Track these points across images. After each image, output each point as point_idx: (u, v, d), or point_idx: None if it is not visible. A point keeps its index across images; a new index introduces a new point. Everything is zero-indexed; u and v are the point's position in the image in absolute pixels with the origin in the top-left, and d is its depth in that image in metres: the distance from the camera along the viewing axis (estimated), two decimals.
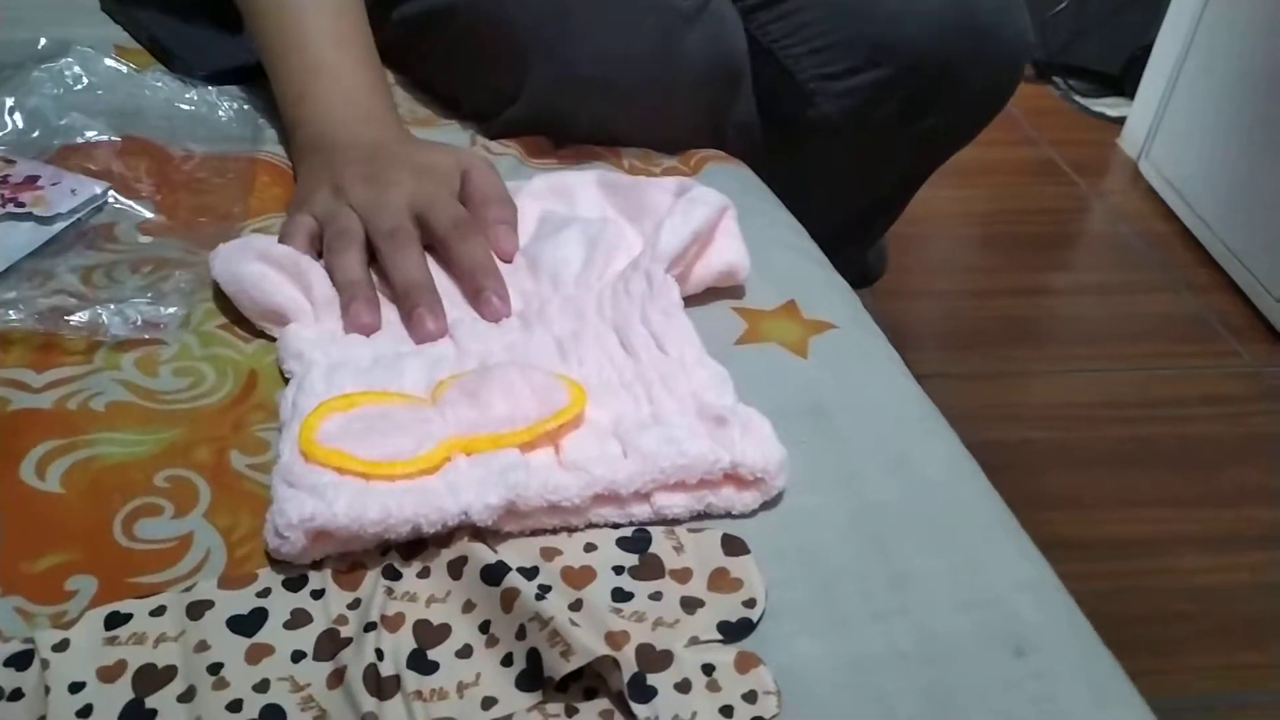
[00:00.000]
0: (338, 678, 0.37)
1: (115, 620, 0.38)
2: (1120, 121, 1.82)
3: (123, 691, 0.36)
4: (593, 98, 0.68)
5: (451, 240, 0.55)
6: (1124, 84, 1.89)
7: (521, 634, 0.38)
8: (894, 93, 0.78)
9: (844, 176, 0.73)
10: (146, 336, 0.51)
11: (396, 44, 0.73)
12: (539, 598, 0.39)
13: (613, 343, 0.52)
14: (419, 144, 0.63)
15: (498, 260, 0.56)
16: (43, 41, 0.72)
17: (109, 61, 0.71)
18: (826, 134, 0.81)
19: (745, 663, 0.39)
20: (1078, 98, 1.94)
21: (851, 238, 1.05)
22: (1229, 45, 1.53)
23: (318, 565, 0.41)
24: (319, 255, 0.55)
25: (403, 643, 0.38)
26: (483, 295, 0.53)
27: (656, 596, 0.41)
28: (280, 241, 0.55)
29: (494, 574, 0.40)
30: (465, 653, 0.39)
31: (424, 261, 0.55)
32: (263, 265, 0.53)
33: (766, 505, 0.46)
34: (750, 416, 0.47)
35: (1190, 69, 1.61)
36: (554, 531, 0.44)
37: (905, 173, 0.93)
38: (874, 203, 0.98)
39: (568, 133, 0.72)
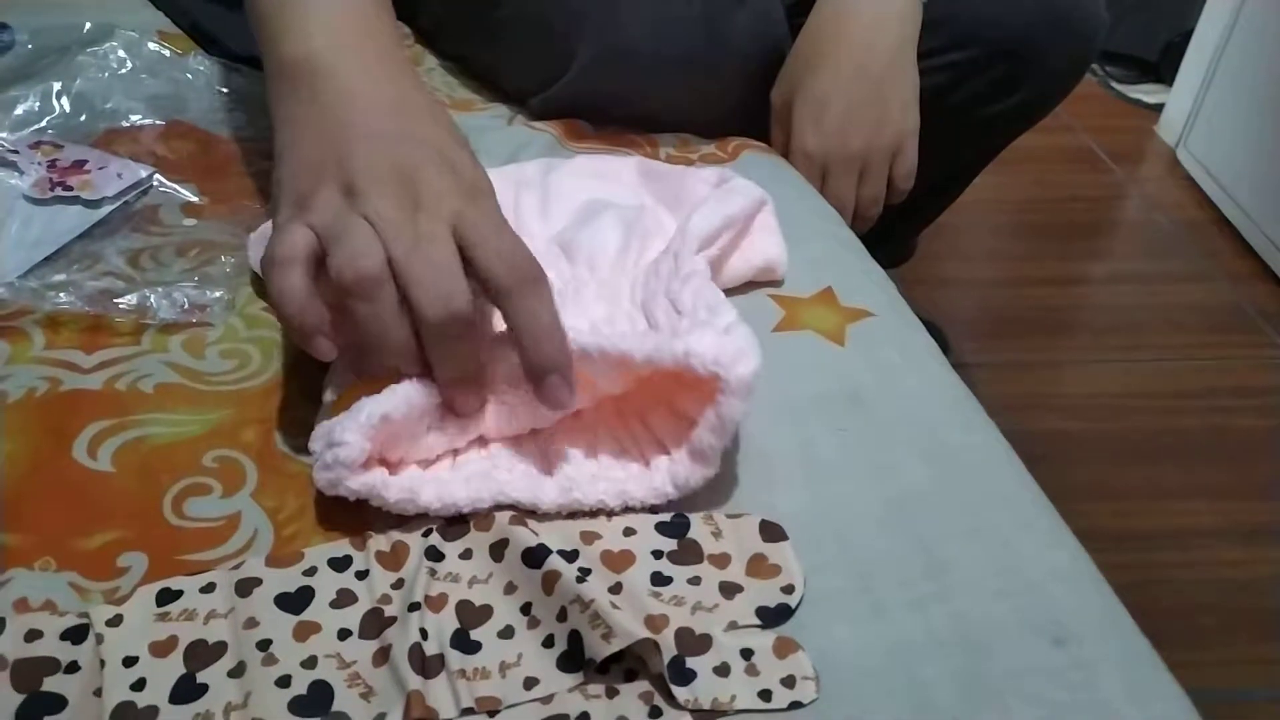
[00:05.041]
0: (383, 656, 0.38)
1: (166, 597, 0.39)
2: (1158, 108, 1.80)
3: (175, 666, 0.37)
4: (640, 74, 0.69)
5: (514, 294, 0.42)
6: (1162, 70, 1.86)
7: (563, 616, 0.39)
8: (979, 74, 0.80)
9: (919, 158, 0.74)
10: (194, 320, 0.52)
11: (441, 22, 0.74)
12: (580, 580, 0.39)
13: (641, 325, 0.52)
14: (450, 127, 0.49)
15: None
16: (87, 26, 0.73)
17: (152, 45, 0.72)
18: None
19: (784, 648, 0.39)
20: (1115, 84, 1.92)
21: (913, 218, 1.06)
22: (1271, 32, 1.51)
23: (361, 546, 0.42)
24: (319, 264, 0.43)
25: (446, 623, 0.39)
26: (550, 382, 0.42)
27: (695, 581, 0.42)
28: (270, 263, 0.43)
29: (535, 557, 0.40)
30: (507, 633, 0.39)
31: (477, 354, 0.44)
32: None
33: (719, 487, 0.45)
34: (725, 316, 0.47)
35: (1231, 56, 1.59)
36: (593, 515, 0.44)
37: (977, 151, 0.95)
38: (943, 182, 0.99)
39: (611, 111, 0.72)
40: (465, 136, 0.49)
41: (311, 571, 0.41)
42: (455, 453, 0.46)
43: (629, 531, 0.43)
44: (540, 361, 0.42)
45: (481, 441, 0.47)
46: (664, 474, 0.44)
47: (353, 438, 0.40)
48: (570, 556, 0.42)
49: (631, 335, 0.45)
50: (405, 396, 0.42)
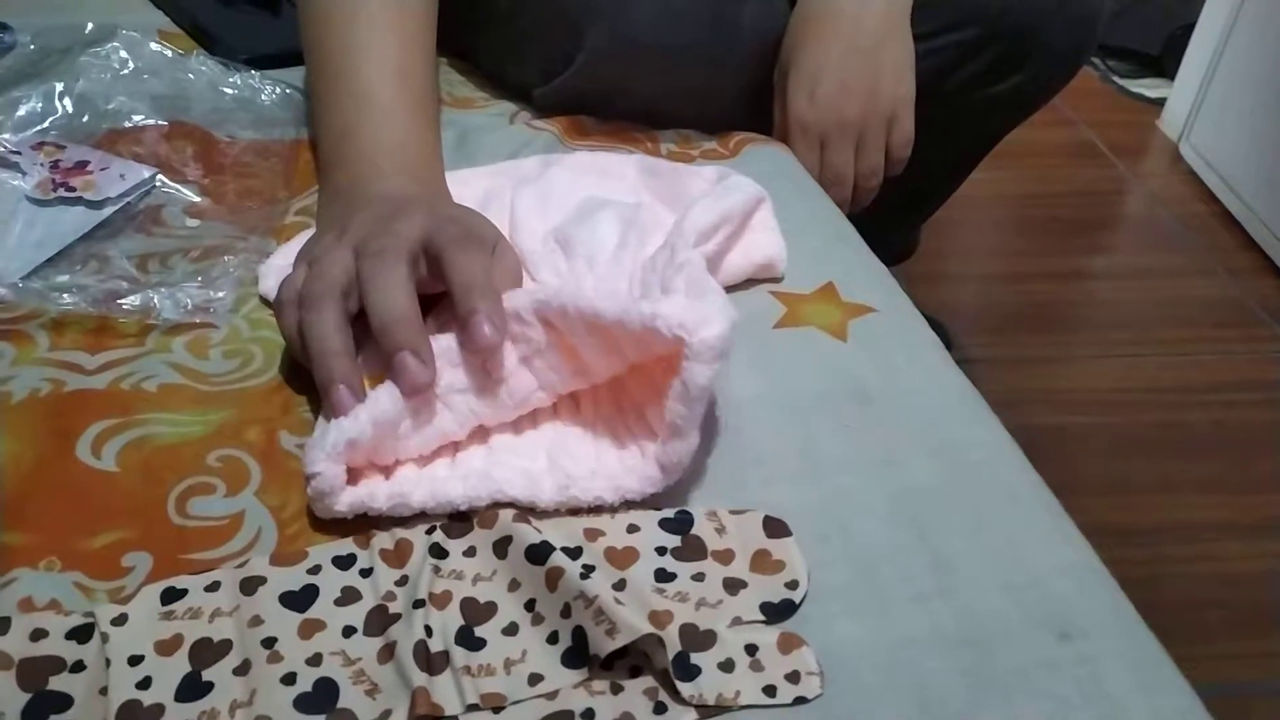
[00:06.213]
0: (388, 652, 0.38)
1: (171, 595, 0.39)
2: (1160, 103, 1.80)
3: (180, 664, 0.37)
4: (646, 65, 0.69)
5: (449, 250, 0.47)
6: (1164, 64, 1.86)
7: (567, 612, 0.39)
8: (979, 54, 0.80)
9: (920, 144, 0.74)
10: (197, 320, 0.52)
11: (444, 13, 0.74)
12: (583, 577, 0.39)
13: None
14: (453, 202, 0.56)
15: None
16: (89, 26, 0.73)
17: (154, 46, 0.72)
18: None
19: (788, 643, 0.39)
20: (1117, 78, 1.92)
21: (915, 209, 1.06)
22: (1273, 25, 1.50)
23: (365, 544, 0.42)
24: None
25: (450, 619, 0.39)
26: (474, 319, 0.45)
27: (699, 577, 0.42)
28: (277, 304, 0.49)
29: (539, 553, 0.40)
30: (511, 630, 0.39)
31: (411, 286, 0.46)
32: None
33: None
34: (711, 295, 0.46)
35: (1233, 49, 1.59)
36: (596, 512, 0.44)
37: (977, 136, 0.94)
38: (943, 170, 0.99)
39: (617, 102, 0.72)
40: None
41: (316, 569, 0.41)
42: (456, 450, 0.46)
43: (632, 528, 0.44)
44: (469, 304, 0.45)
45: (483, 435, 0.47)
46: (650, 458, 0.44)
47: (323, 467, 0.41)
48: (574, 553, 0.42)
49: (603, 295, 0.45)
50: (370, 417, 0.42)
